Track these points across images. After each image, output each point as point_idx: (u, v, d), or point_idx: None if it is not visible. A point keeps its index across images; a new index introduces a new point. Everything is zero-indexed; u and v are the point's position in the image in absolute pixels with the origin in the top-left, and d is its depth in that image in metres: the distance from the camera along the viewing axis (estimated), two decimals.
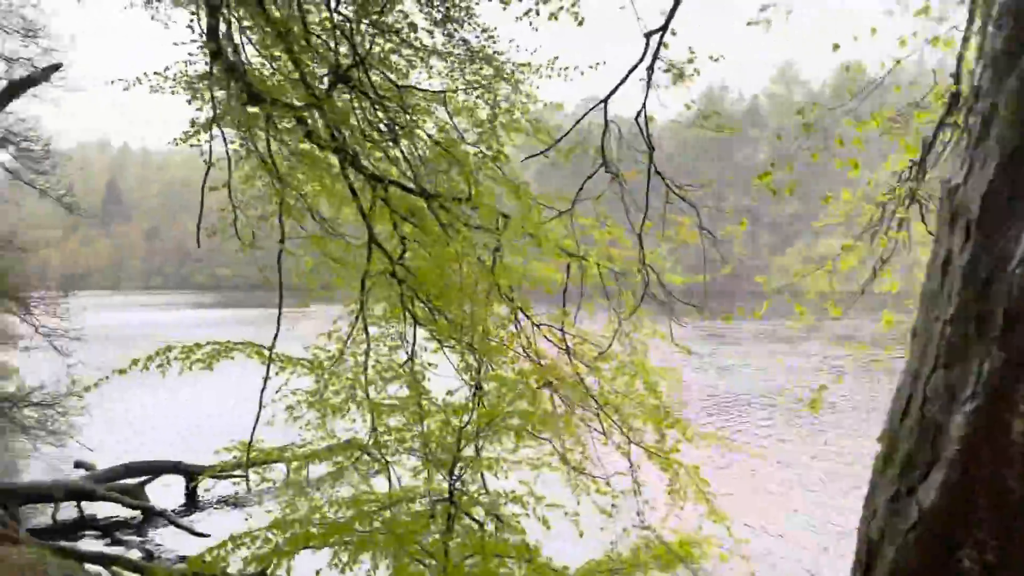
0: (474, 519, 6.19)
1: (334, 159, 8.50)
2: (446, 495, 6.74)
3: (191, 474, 16.12)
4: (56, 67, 9.04)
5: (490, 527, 6.45)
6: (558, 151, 5.68)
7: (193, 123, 8.85)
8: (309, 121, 7.97)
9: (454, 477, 6.30)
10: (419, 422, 7.34)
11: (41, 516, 15.02)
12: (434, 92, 7.55)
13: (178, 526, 13.32)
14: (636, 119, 5.43)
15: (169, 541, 13.98)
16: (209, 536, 13.07)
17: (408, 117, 7.66)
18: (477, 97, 7.33)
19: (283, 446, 9.66)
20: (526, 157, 5.99)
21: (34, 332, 17.35)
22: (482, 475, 6.97)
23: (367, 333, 8.58)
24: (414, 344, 8.09)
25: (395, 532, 6.09)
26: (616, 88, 5.40)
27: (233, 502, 16.08)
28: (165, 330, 48.86)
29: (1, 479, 15.74)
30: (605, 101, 5.44)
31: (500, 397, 6.39)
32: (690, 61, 5.37)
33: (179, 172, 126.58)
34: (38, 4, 14.33)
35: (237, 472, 13.14)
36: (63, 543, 11.47)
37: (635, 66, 5.32)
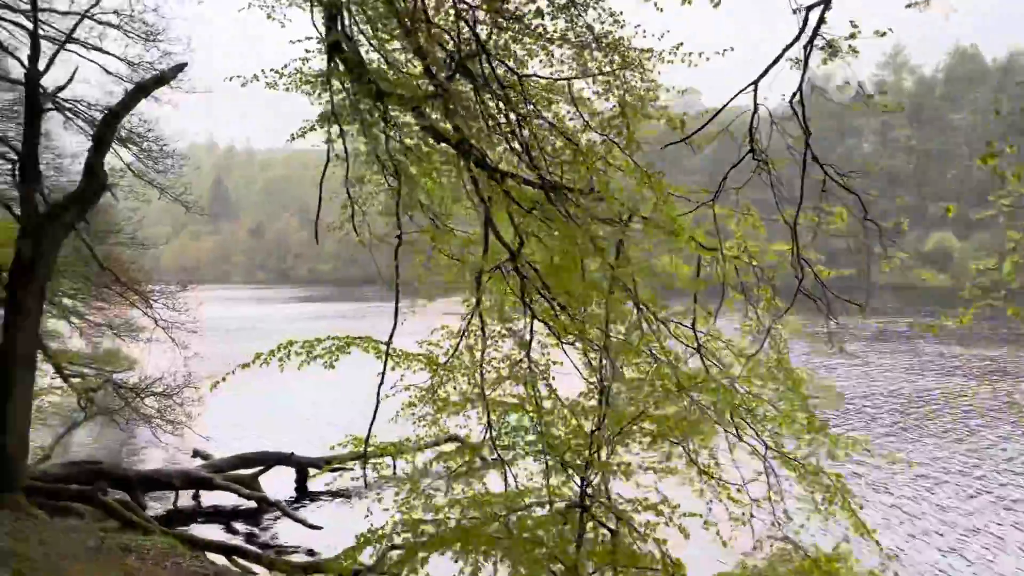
0: (606, 526, 5.90)
1: (449, 151, 8.38)
2: (570, 499, 6.49)
3: (302, 466, 16.41)
4: (182, 67, 9.26)
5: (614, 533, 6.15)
6: (703, 138, 5.31)
7: (324, 116, 8.88)
8: (427, 114, 7.85)
9: (585, 482, 6.03)
10: (538, 421, 7.11)
11: (161, 503, 15.58)
12: (557, 80, 7.27)
13: (292, 518, 13.53)
14: (791, 102, 5.02)
15: (282, 531, 14.22)
16: (322, 528, 13.23)
17: (530, 107, 7.41)
18: (605, 84, 7.01)
19: (397, 441, 9.62)
20: (665, 145, 5.65)
21: (154, 324, 17.98)
22: (604, 479, 6.68)
23: (483, 329, 8.40)
24: (530, 340, 7.85)
25: (522, 536, 5.87)
26: (769, 68, 5.00)
27: (342, 494, 16.28)
28: (269, 323, 50.60)
29: (126, 466, 16.40)
30: (756, 83, 5.04)
31: (633, 400, 6.07)
32: (852, 36, 4.91)
33: (280, 171, 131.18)
34: (158, 9, 14.74)
35: (349, 465, 13.28)
36: (186, 532, 11.81)
37: (791, 43, 4.91)
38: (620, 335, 6.84)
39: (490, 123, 7.72)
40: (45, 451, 15.95)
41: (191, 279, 22.64)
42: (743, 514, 7.05)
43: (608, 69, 7.20)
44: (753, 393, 6.83)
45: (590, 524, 5.99)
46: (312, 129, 9.11)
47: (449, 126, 7.82)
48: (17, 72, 16.59)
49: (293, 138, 9.02)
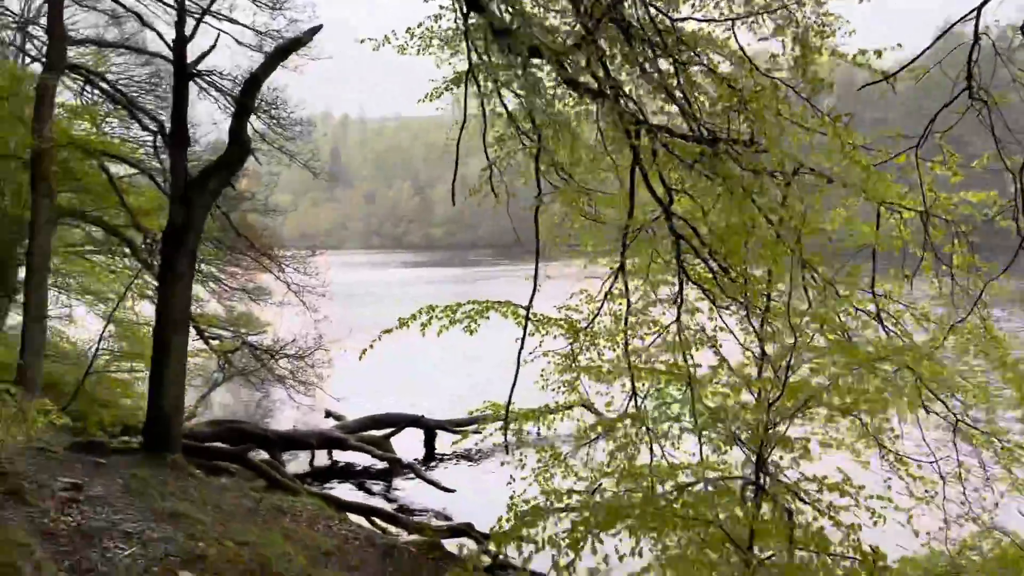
0: (786, 507, 5.41)
1: (592, 106, 7.95)
2: (730, 475, 6.05)
3: (431, 428, 16.55)
4: (317, 29, 9.17)
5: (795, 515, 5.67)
6: (912, 71, 4.65)
7: (457, 75, 8.61)
8: (569, 66, 7.44)
9: (759, 458, 5.56)
10: (689, 391, 6.69)
11: (294, 462, 16.02)
12: (720, 20, 6.67)
13: (426, 480, 13.63)
14: (1022, 29, 4.30)
15: (413, 493, 14.35)
16: (455, 491, 13.25)
17: (688, 53, 6.84)
18: (774, 22, 6.36)
19: (537, 408, 9.38)
20: (863, 85, 5.02)
21: (286, 289, 18.46)
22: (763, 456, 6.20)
23: (627, 293, 8.01)
24: (680, 304, 7.39)
25: (688, 514, 5.48)
26: None
27: (469, 457, 16.34)
28: (385, 288, 51.70)
29: (264, 426, 16.99)
30: (979, 9, 4.34)
31: (815, 371, 5.53)
32: None
33: (392, 140, 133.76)
34: None
35: (478, 429, 13.20)
36: (327, 492, 12.06)
37: None
38: (787, 300, 6.29)
39: (642, 72, 7.23)
40: (190, 411, 16.69)
41: (311, 245, 23.13)
42: (927, 493, 6.44)
43: (777, 5, 6.55)
44: (937, 361, 6.18)
45: (766, 504, 5.53)
46: (448, 89, 8.88)
47: (590, 78, 7.40)
48: (150, 47, 17.24)
49: (430, 98, 8.82)
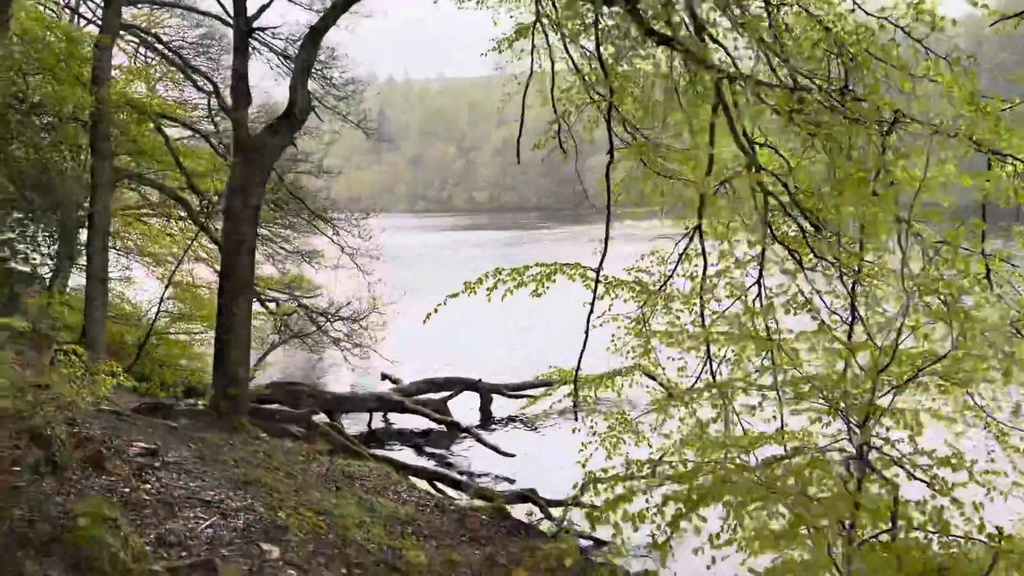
0: (891, 482, 5.04)
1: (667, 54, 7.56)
2: (814, 447, 5.70)
3: (487, 392, 16.39)
4: None
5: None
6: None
7: (521, 27, 8.25)
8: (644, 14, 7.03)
9: (866, 431, 5.17)
10: (767, 357, 6.33)
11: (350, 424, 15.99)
12: None
13: (486, 445, 13.49)
14: None
15: (470, 456, 14.21)
16: (514, 456, 13.08)
17: None
18: None
19: (605, 373, 9.10)
20: (996, 20, 4.50)
21: (340, 251, 18.37)
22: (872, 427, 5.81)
23: (704, 256, 7.66)
24: (762, 265, 7.01)
25: (786, 489, 5.14)
26: None
27: (524, 421, 16.16)
28: (435, 251, 51.75)
29: (322, 389, 17.02)
30: None
31: (928, 338, 5.10)
32: None
33: (437, 102, 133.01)
34: None
35: (536, 393, 12.99)
36: (393, 457, 11.96)
37: None
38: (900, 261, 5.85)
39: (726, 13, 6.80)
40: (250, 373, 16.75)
41: (361, 208, 22.96)
42: None
43: None
44: None
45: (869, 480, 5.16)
46: (515, 40, 8.57)
47: (669, 27, 6.99)
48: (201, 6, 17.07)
49: (500, 50, 8.54)
